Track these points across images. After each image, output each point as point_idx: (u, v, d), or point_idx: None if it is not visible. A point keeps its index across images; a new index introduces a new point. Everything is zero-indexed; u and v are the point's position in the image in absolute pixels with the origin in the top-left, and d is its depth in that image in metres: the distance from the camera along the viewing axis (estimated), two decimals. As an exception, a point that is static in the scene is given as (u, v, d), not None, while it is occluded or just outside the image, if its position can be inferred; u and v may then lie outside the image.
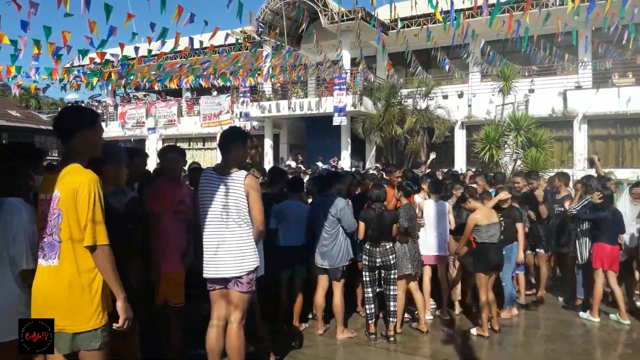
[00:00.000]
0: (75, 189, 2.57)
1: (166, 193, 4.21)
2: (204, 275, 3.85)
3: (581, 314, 6.26)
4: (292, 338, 5.35)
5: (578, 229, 6.52)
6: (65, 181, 2.62)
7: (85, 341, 2.62)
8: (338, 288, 5.45)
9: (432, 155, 11.18)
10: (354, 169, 13.77)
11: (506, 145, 15.42)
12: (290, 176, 6.87)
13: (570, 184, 8.28)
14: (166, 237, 4.12)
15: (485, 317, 5.58)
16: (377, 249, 5.40)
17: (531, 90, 17.40)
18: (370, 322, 5.47)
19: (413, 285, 5.72)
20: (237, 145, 3.89)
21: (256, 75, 16.08)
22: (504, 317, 6.14)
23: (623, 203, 6.69)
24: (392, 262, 5.41)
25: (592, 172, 11.90)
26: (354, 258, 5.60)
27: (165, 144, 4.65)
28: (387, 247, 5.41)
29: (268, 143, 21.02)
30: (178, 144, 24.67)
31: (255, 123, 21.24)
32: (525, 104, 16.93)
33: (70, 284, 2.59)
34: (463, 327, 5.89)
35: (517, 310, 6.40)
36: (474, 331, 5.65)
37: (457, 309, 6.48)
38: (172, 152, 4.44)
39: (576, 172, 14.16)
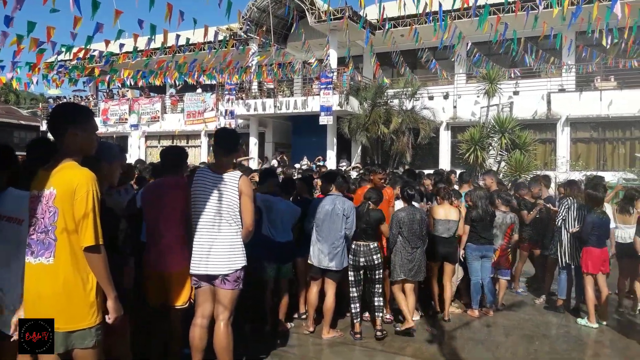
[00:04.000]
0: (74, 187, 2.54)
1: (169, 191, 4.14)
2: (192, 272, 3.86)
3: (579, 320, 6.22)
4: (278, 337, 5.33)
5: (562, 232, 6.56)
6: (61, 178, 2.58)
7: (80, 340, 2.61)
8: (332, 288, 5.42)
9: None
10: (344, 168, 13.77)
11: (491, 147, 15.55)
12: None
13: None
14: (170, 235, 4.02)
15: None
16: (361, 249, 5.40)
17: (516, 93, 17.55)
18: (355, 321, 5.46)
19: (408, 285, 5.72)
20: (234, 145, 3.98)
21: (243, 73, 15.97)
22: (474, 315, 6.30)
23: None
24: (376, 262, 5.40)
25: (574, 175, 12.06)
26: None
27: (167, 146, 4.68)
28: (372, 246, 5.41)
29: (253, 141, 20.89)
30: (161, 142, 24.45)
31: (240, 121, 21.11)
32: (509, 106, 17.07)
33: (66, 282, 2.57)
34: (448, 328, 5.91)
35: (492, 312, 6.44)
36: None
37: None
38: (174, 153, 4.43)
39: (559, 175, 14.31)
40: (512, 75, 17.59)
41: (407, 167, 14.87)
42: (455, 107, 18.73)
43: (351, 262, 5.44)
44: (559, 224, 6.54)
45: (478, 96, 16.80)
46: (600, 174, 13.87)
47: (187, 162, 4.57)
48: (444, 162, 18.66)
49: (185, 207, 3.97)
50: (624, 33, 9.16)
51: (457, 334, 5.70)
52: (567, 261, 6.45)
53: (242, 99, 20.03)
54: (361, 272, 5.51)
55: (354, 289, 5.49)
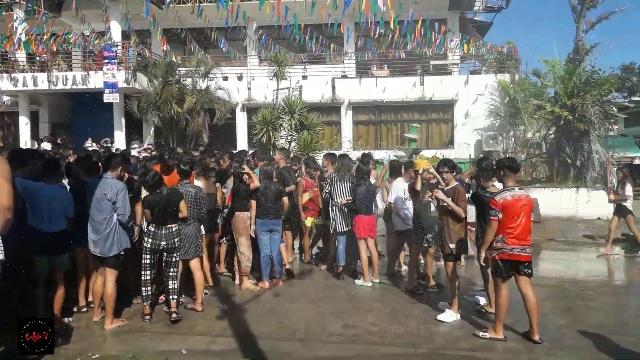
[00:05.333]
0: None
1: None
2: None
3: (356, 281, 6.91)
4: (55, 334, 4.75)
5: (330, 205, 7.18)
6: None
7: None
8: (110, 275, 5.12)
9: None
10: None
11: (282, 128, 16.22)
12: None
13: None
14: None
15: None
16: (162, 232, 5.24)
17: (304, 77, 18.55)
18: (145, 304, 5.35)
19: (194, 263, 5.71)
20: None
21: (5, 42, 13.76)
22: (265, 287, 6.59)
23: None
24: (176, 244, 5.36)
25: (354, 154, 13.28)
26: (128, 248, 5.27)
27: None
28: (173, 229, 5.31)
29: (24, 121, 18.19)
30: None
31: (6, 98, 18.22)
32: (299, 89, 17.97)
33: None
34: (238, 302, 6.02)
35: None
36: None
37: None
38: None
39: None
40: (301, 60, 18.50)
41: (202, 148, 14.63)
42: (249, 88, 19.01)
43: (148, 246, 5.26)
44: (325, 196, 7.21)
45: (270, 79, 17.29)
46: (377, 152, 15.57)
47: None
48: (241, 142, 18.88)
49: None
50: (389, 25, 10.29)
51: (247, 306, 5.85)
52: (339, 230, 7.08)
53: (7, 72, 17.26)
54: (157, 255, 5.34)
55: (147, 272, 5.33)
